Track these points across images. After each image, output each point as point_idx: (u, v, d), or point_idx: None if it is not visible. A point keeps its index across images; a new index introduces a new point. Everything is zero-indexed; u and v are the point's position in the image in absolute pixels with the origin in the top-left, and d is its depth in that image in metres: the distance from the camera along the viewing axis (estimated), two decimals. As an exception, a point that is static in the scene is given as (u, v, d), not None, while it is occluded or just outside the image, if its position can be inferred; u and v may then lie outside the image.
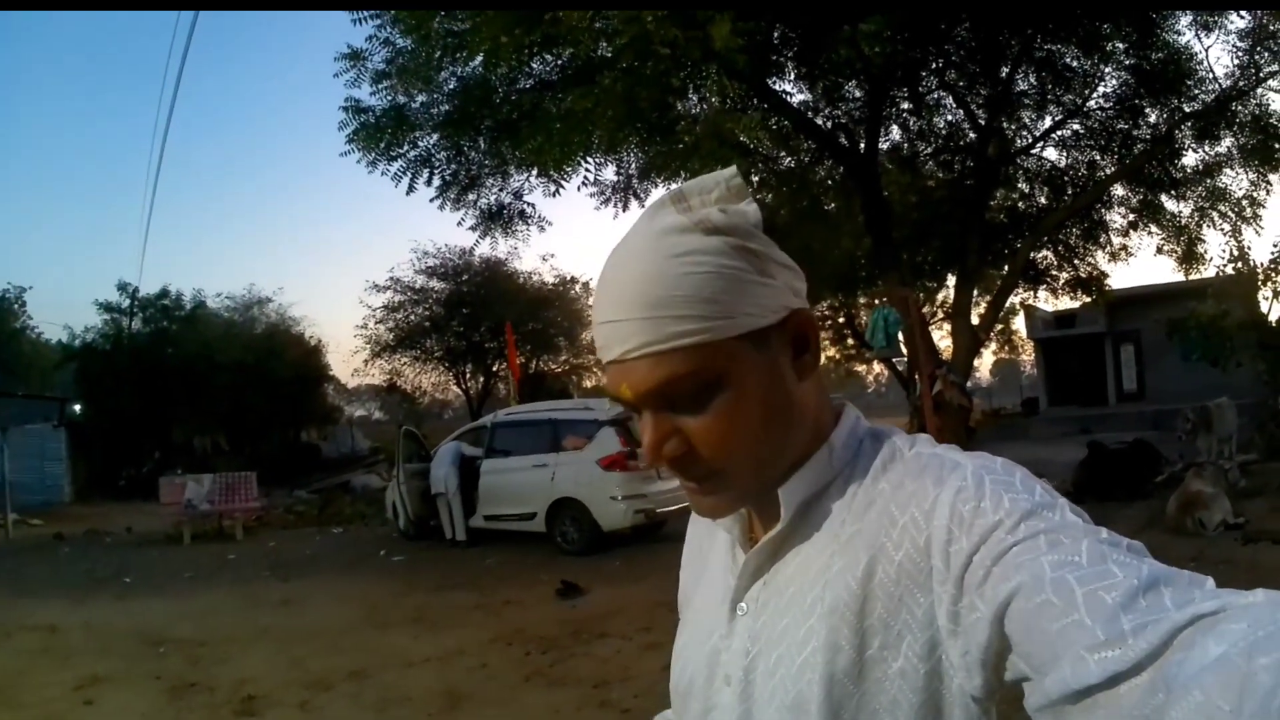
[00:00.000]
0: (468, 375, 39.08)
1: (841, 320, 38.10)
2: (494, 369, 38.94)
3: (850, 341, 40.28)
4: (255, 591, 13.45)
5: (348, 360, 74.76)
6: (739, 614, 1.30)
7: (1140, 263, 68.03)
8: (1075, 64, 15.01)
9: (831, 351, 42.92)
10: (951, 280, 20.46)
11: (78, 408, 37.79)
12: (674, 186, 1.24)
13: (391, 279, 36.25)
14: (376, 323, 36.53)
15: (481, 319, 36.48)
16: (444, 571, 14.61)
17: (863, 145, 14.62)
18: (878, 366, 50.83)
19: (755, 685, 1.25)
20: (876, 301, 18.57)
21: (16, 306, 61.91)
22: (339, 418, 48.89)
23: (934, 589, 1.09)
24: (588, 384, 40.44)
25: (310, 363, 41.10)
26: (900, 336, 13.13)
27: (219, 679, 8.78)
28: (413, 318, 36.87)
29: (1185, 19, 13.78)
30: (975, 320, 16.26)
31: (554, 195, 14.16)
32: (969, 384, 15.57)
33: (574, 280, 39.57)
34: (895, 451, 1.25)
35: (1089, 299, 20.43)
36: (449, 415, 48.97)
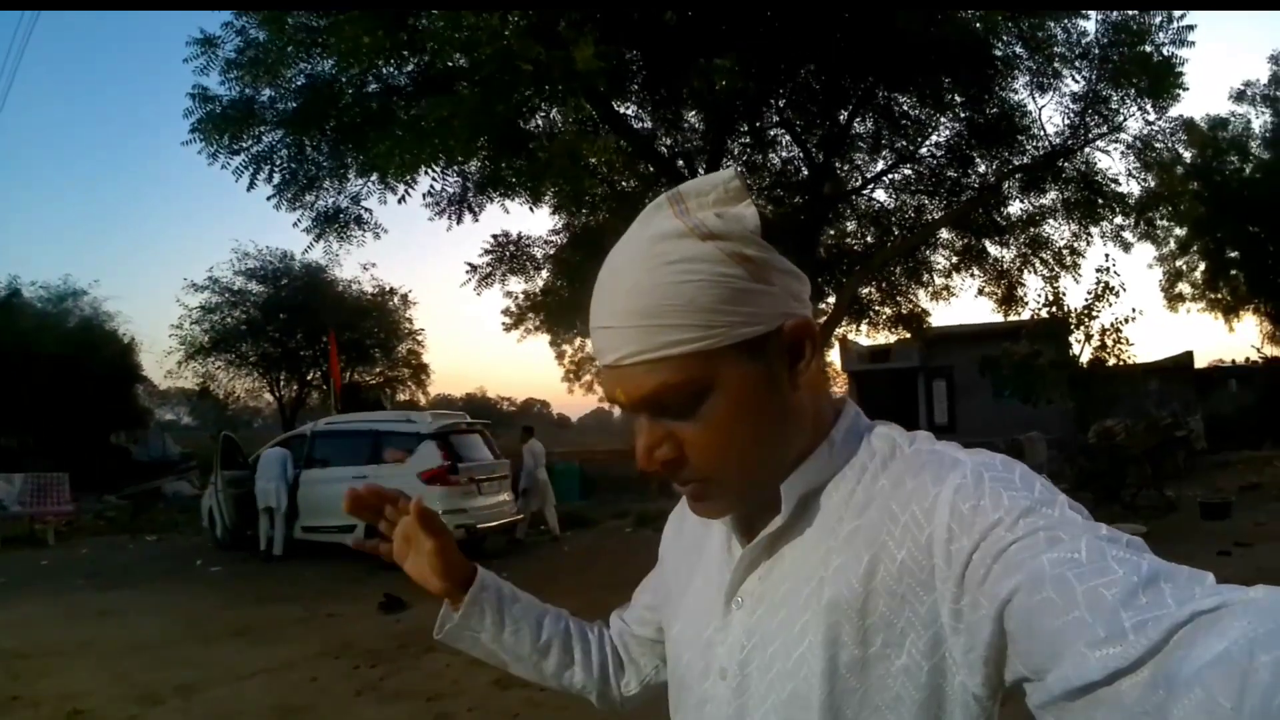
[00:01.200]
0: (282, 382, 38.18)
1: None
2: (309, 377, 38.18)
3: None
4: (73, 601, 13.09)
5: (161, 361, 72.37)
6: (734, 607, 1.32)
7: (958, 302, 69.85)
8: (912, 112, 15.60)
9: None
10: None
11: None
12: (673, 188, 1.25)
13: (210, 279, 35.18)
14: (192, 323, 35.39)
15: (299, 325, 35.91)
16: (264, 583, 14.43)
17: (702, 174, 14.85)
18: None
19: (750, 679, 1.27)
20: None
21: None
22: (150, 421, 47.43)
23: (936, 587, 1.11)
24: (401, 396, 40.10)
25: (123, 361, 39.66)
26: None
27: (43, 693, 8.52)
28: (229, 320, 35.91)
29: (1023, 79, 14.55)
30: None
31: (400, 202, 14.14)
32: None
33: (393, 291, 39.29)
34: (895, 448, 1.27)
35: (909, 334, 21.08)
36: (259, 423, 48.01)
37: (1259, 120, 32.96)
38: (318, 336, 35.63)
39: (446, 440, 16.57)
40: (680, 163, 15.37)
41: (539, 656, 1.71)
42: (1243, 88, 33.08)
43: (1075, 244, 17.27)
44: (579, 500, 25.64)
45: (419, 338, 40.83)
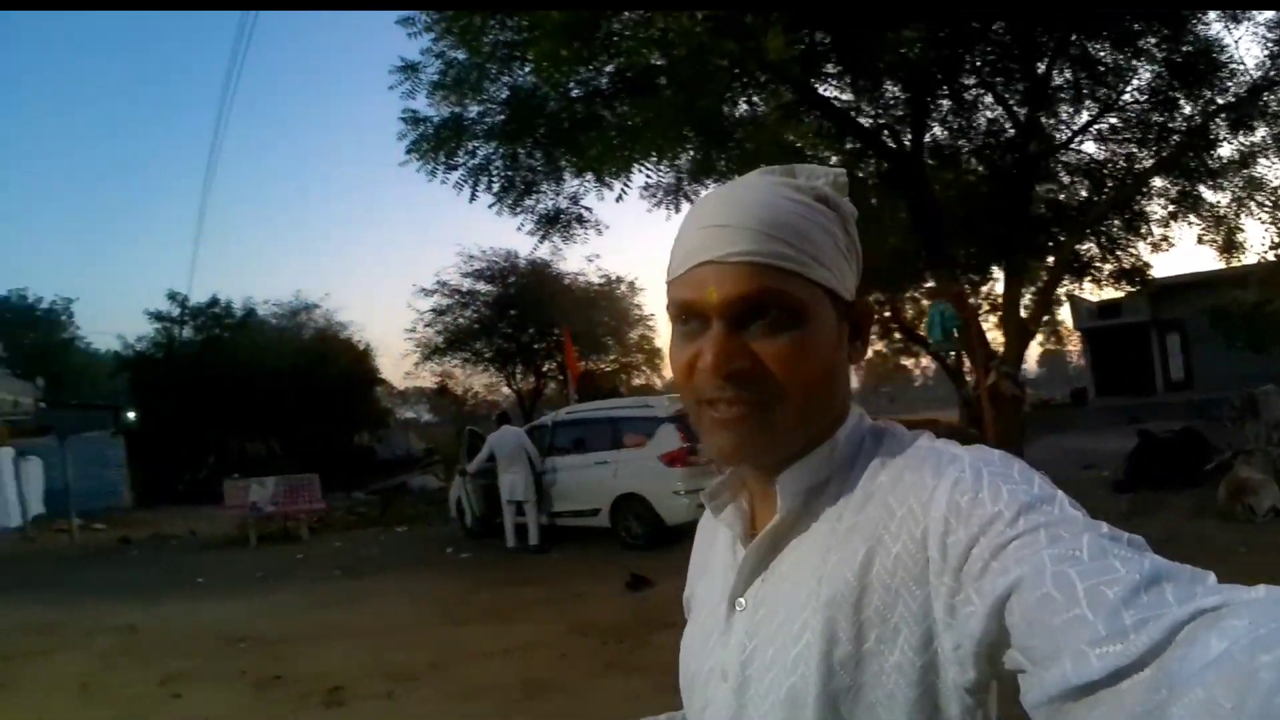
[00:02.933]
0: (518, 376, 39.00)
1: (889, 315, 38.06)
2: (544, 369, 38.96)
3: (898, 336, 40.25)
4: (327, 589, 13.62)
5: (398, 363, 75.17)
6: (737, 610, 1.32)
7: (1181, 251, 67.82)
8: (1109, 59, 15.17)
9: (880, 346, 42.93)
10: (996, 274, 20.48)
11: (131, 415, 38.06)
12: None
13: (439, 283, 36.29)
14: (425, 326, 36.67)
15: (529, 320, 36.66)
16: (510, 568, 14.79)
17: (908, 144, 14.67)
18: (925, 360, 50.78)
19: (751, 681, 1.26)
20: (924, 300, 18.44)
21: (64, 318, 62.43)
22: (391, 420, 48.94)
23: (930, 581, 1.10)
24: (637, 382, 40.45)
25: (360, 366, 41.22)
26: (955, 331, 13.03)
27: (302, 672, 8.93)
28: (461, 320, 36.97)
29: (1215, 12, 13.92)
30: (1023, 313, 16.16)
31: (618, 200, 14.28)
32: (1020, 375, 15.45)
33: (620, 280, 39.60)
34: (894, 446, 1.27)
35: (1133, 289, 20.33)
36: (496, 416, 49.22)
37: None
38: (549, 329, 36.44)
39: (684, 422, 16.56)
40: (886, 134, 15.09)
41: None
42: None
43: None
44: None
45: (650, 323, 40.92)
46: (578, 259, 59.44)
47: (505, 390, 41.25)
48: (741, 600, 1.31)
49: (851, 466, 1.26)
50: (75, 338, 62.36)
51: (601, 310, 38.45)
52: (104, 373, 48.41)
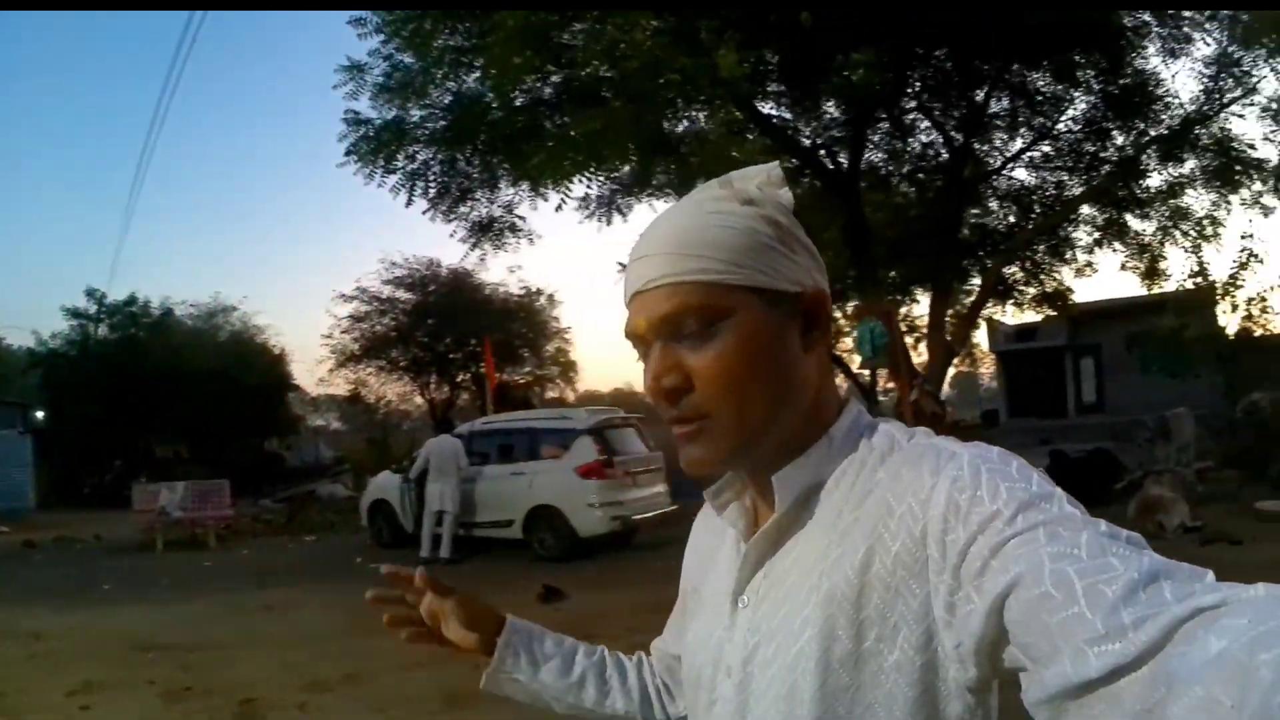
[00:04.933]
0: (432, 385, 38.80)
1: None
2: (459, 379, 38.87)
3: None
4: (238, 598, 13.32)
5: (312, 369, 74.30)
6: (740, 606, 1.33)
7: (1101, 278, 69.19)
8: (1046, 88, 15.62)
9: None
10: (921, 295, 20.74)
11: (41, 414, 37.45)
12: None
13: (359, 289, 36.24)
14: (342, 332, 36.50)
15: (447, 329, 36.60)
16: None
17: (845, 165, 14.84)
18: (838, 379, 51.18)
19: (753, 677, 1.28)
20: (847, 317, 18.62)
21: (-25, 312, 61.17)
22: (301, 427, 48.52)
23: (930, 579, 1.11)
24: (551, 394, 40.45)
25: (274, 371, 40.89)
26: (883, 348, 13.18)
27: (215, 683, 8.73)
28: (378, 327, 36.78)
29: (1154, 47, 14.47)
30: (947, 334, 16.40)
31: (558, 209, 14.47)
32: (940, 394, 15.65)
33: (539, 292, 39.58)
34: (893, 442, 1.28)
35: (1054, 313, 20.73)
36: (407, 425, 48.83)
37: None
38: (466, 339, 36.39)
39: (602, 435, 16.65)
40: (822, 153, 15.26)
41: (577, 689, 1.78)
42: None
43: (1215, 213, 16.95)
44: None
45: (566, 336, 41.26)
46: (500, 269, 59.25)
47: (418, 400, 41.06)
48: (744, 597, 1.33)
49: (850, 462, 1.28)
50: (-14, 333, 61.36)
51: (520, 322, 38.58)
52: (16, 369, 47.58)
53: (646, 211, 13.37)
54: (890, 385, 13.27)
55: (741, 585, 1.33)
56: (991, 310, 21.38)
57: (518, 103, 13.44)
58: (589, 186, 15.14)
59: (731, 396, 1.23)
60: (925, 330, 16.31)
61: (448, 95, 13.74)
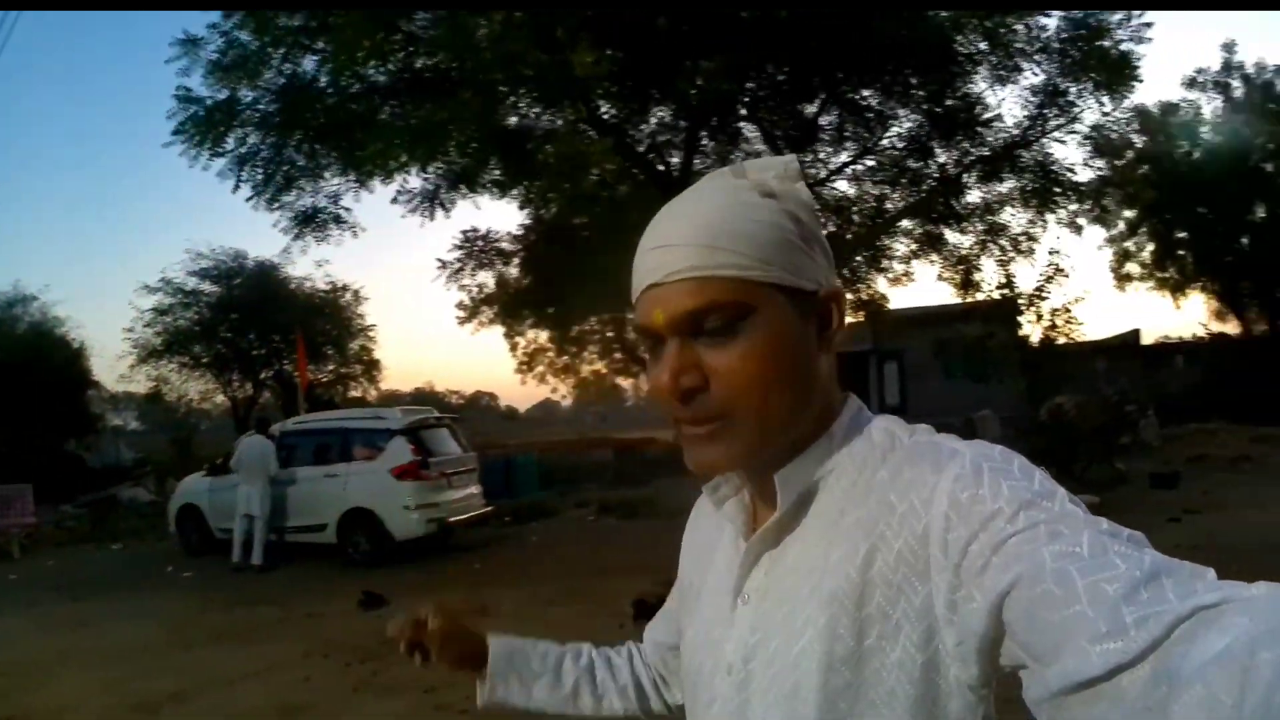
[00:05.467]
0: (235, 383, 37.66)
1: (611, 334, 38.46)
2: (262, 377, 37.71)
3: (618, 355, 40.68)
4: (48, 613, 12.86)
5: (112, 365, 71.53)
6: (741, 604, 1.33)
7: (914, 287, 70.60)
8: (875, 105, 15.96)
9: (599, 365, 43.32)
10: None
11: None
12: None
13: (163, 280, 34.54)
14: (145, 326, 34.79)
15: (251, 325, 35.59)
16: (238, 587, 14.30)
17: (677, 170, 14.88)
18: (629, 381, 51.45)
19: (754, 675, 1.28)
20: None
21: None
22: (101, 427, 46.74)
23: (932, 577, 1.11)
24: (354, 394, 39.88)
25: (73, 368, 39.01)
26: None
27: (34, 708, 8.41)
28: (181, 321, 35.25)
29: (984, 73, 15.00)
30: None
31: (393, 202, 14.52)
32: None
33: (345, 288, 38.80)
34: (894, 439, 1.28)
35: (859, 320, 21.35)
36: (205, 425, 47.48)
37: (1209, 106, 34.70)
38: (270, 335, 35.51)
39: (416, 435, 16.49)
40: (652, 155, 15.28)
41: (572, 699, 1.82)
42: (1195, 75, 34.77)
43: (1031, 230, 17.68)
44: (539, 492, 25.48)
45: (371, 334, 40.40)
46: (307, 263, 57.82)
47: (220, 398, 39.53)
48: (744, 594, 1.33)
49: (851, 460, 1.27)
50: None
51: (324, 318, 37.73)
52: None
53: (469, 208, 13.17)
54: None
55: (741, 582, 1.33)
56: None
57: (354, 89, 13.16)
58: (415, 179, 14.96)
59: (754, 397, 1.22)
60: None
61: (282, 78, 13.34)
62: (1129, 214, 34.73)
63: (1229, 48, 34.41)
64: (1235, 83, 34.42)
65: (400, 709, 7.89)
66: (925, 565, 1.12)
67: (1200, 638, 0.80)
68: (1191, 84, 34.90)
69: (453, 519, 16.46)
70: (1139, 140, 19.07)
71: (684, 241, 1.21)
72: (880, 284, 20.13)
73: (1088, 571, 0.92)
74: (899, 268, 19.49)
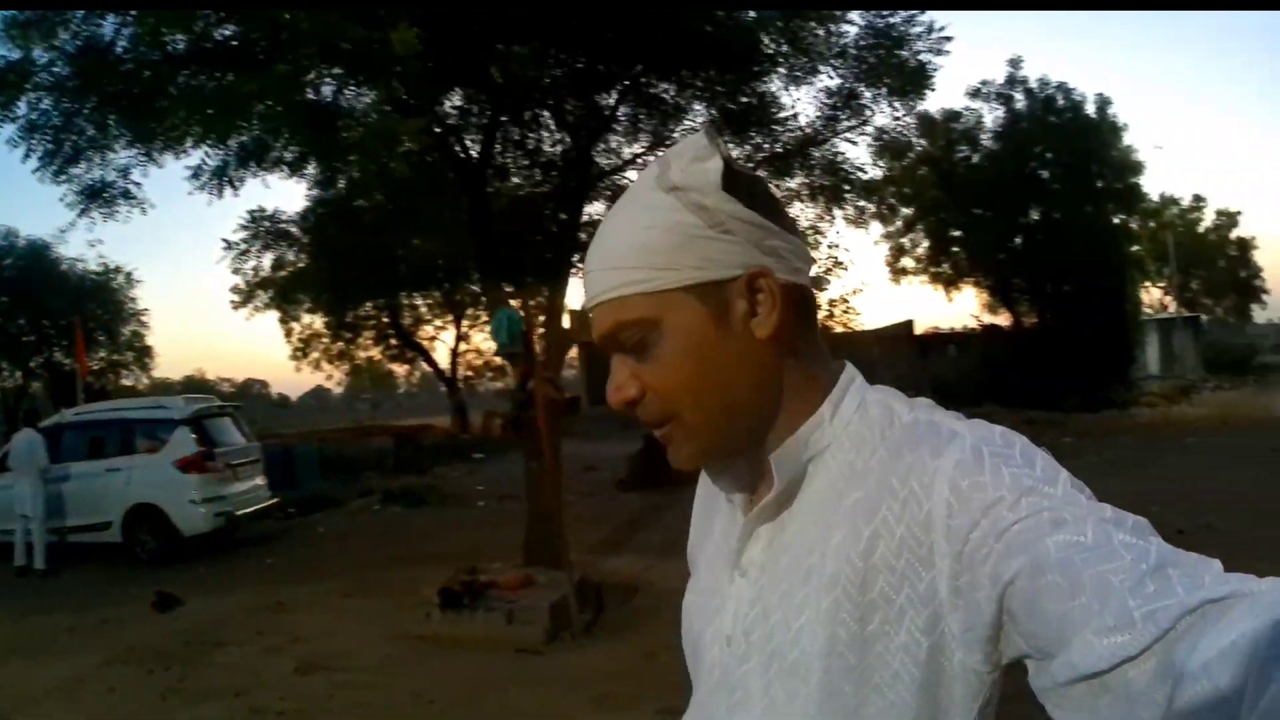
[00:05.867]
0: (3, 372, 35.84)
1: (386, 320, 38.11)
2: (31, 365, 35.85)
3: (394, 341, 40.38)
4: None
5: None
6: (739, 576, 1.34)
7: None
8: (670, 98, 16.13)
9: (375, 352, 42.82)
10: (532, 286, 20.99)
11: None
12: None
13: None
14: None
15: (21, 309, 34.09)
16: (21, 593, 13.70)
17: (475, 154, 14.67)
18: (403, 368, 51.28)
19: (754, 648, 1.28)
20: (483, 306, 18.52)
21: None
22: None
23: (936, 563, 1.12)
24: (126, 382, 38.54)
25: None
26: (519, 336, 13.13)
27: None
28: (-55, 306, 32.98)
29: (781, 72, 15.31)
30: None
31: (195, 177, 13.43)
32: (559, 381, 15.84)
33: (117, 270, 37.41)
34: (892, 415, 1.28)
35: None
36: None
37: (991, 115, 36.91)
38: (41, 320, 33.62)
39: (200, 425, 15.99)
40: (451, 139, 14.98)
41: None
42: (979, 85, 36.84)
43: (819, 225, 18.29)
44: (321, 482, 24.99)
45: (143, 319, 39.05)
46: (79, 243, 55.28)
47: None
48: (742, 567, 1.33)
49: (848, 436, 1.27)
50: None
51: (97, 302, 36.30)
52: None
53: (258, 186, 12.79)
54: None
55: (739, 555, 1.34)
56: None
57: (153, 56, 12.50)
58: (208, 155, 13.85)
59: (682, 405, 1.25)
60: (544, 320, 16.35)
61: (79, 40, 12.61)
62: (907, 211, 36.99)
63: (1015, 63, 36.37)
64: (1018, 95, 36.47)
65: (215, 714, 7.66)
66: (929, 551, 1.12)
67: (1207, 632, 0.81)
68: (975, 94, 36.90)
69: (240, 512, 16.13)
70: (921, 144, 20.17)
71: (596, 266, 1.27)
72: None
73: (1092, 562, 0.93)
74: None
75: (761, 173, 16.34)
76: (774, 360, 1.27)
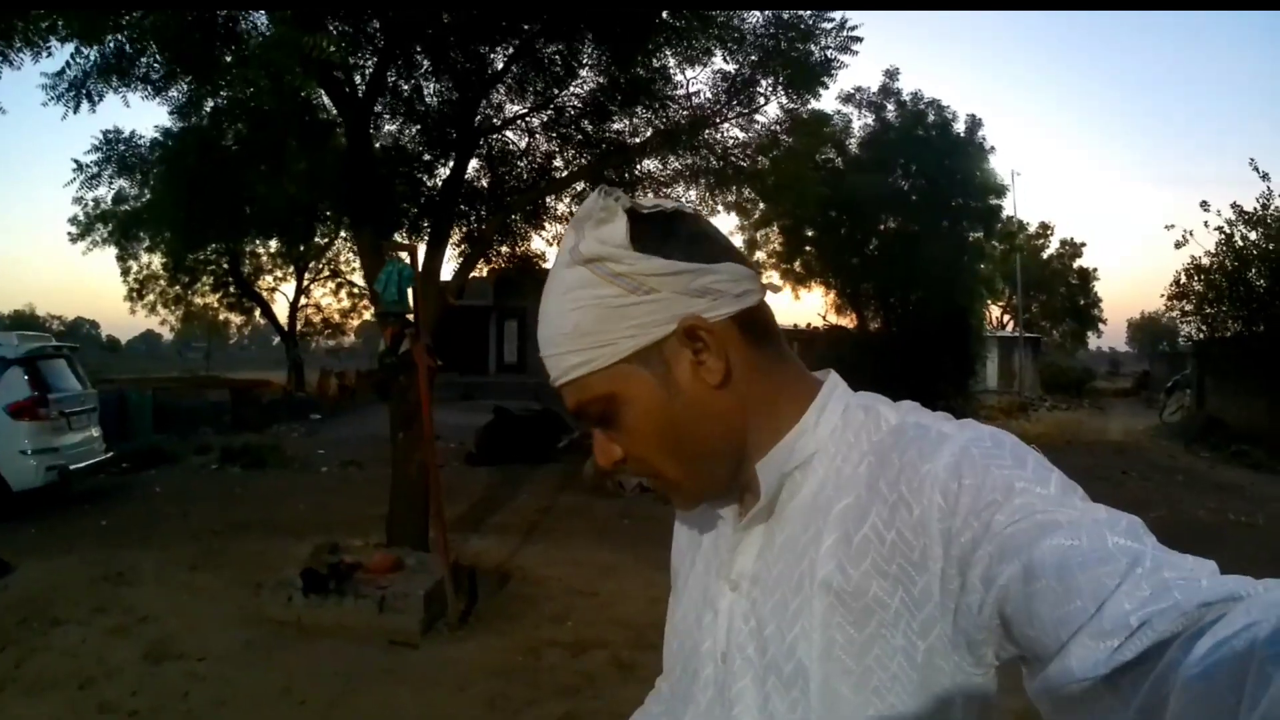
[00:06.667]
0: None
1: (226, 266, 37.22)
2: None
3: (234, 290, 39.61)
4: None
5: None
6: (729, 588, 1.33)
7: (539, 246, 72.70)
8: (559, 59, 15.74)
9: (212, 299, 41.78)
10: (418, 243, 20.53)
11: None
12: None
13: None
14: None
15: None
16: None
17: (361, 93, 14.03)
18: (257, 318, 50.10)
19: (750, 662, 1.27)
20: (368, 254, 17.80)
21: None
22: None
23: (929, 567, 1.11)
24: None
25: None
26: (409, 291, 12.42)
27: None
28: None
29: (674, 49, 15.03)
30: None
31: (62, 74, 12.24)
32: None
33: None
34: (879, 419, 1.27)
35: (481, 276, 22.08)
36: None
37: (860, 122, 36.85)
38: None
39: (34, 366, 14.70)
40: (338, 73, 14.26)
41: None
42: (853, 91, 36.96)
43: (700, 207, 17.74)
44: (154, 436, 23.93)
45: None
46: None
47: None
48: (734, 580, 1.32)
49: (834, 442, 1.27)
50: None
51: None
52: None
53: (117, 103, 12.01)
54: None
55: (728, 567, 1.34)
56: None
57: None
58: (74, 59, 12.49)
59: (658, 462, 1.27)
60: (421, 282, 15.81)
61: None
62: (762, 206, 36.34)
63: (891, 74, 36.65)
64: (890, 106, 36.61)
65: (58, 712, 6.85)
66: (921, 556, 1.12)
67: (1204, 634, 0.79)
68: (848, 99, 36.94)
69: (74, 466, 14.79)
70: (787, 140, 20.51)
71: (544, 350, 1.28)
72: (537, 243, 20.75)
73: (1087, 565, 0.92)
74: (559, 228, 19.02)
75: (645, 147, 16.09)
76: (736, 399, 1.27)
